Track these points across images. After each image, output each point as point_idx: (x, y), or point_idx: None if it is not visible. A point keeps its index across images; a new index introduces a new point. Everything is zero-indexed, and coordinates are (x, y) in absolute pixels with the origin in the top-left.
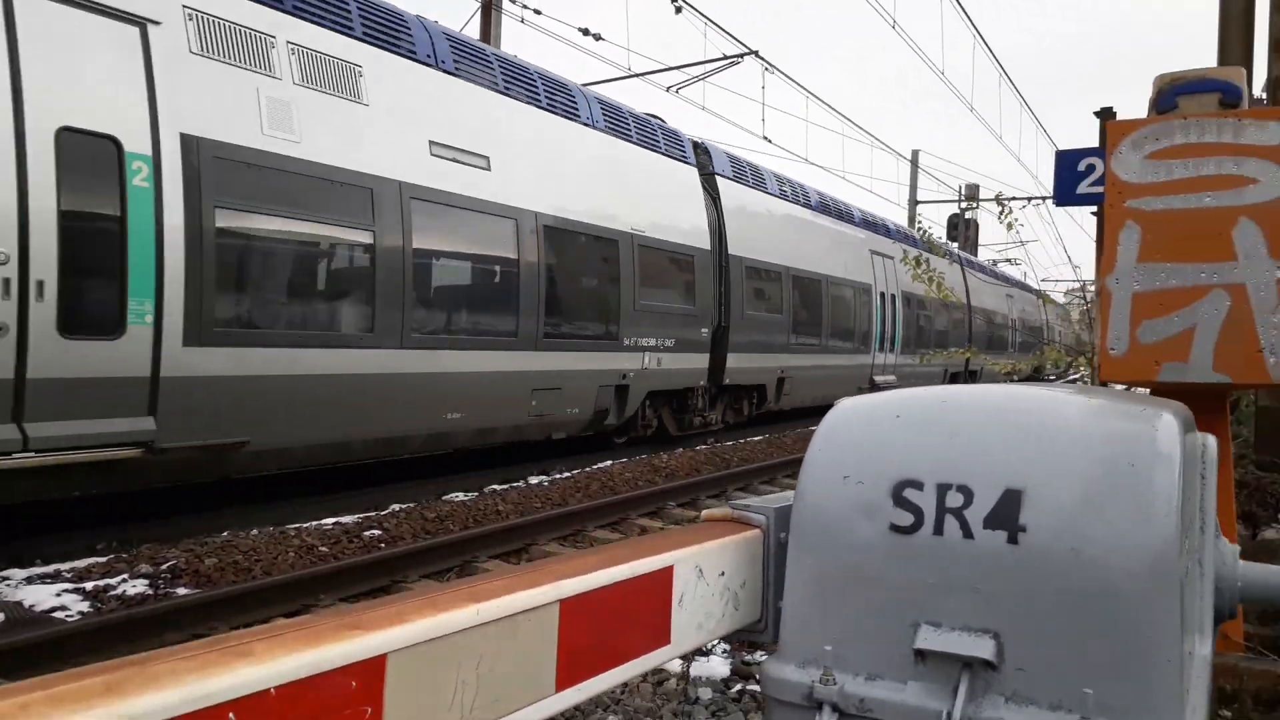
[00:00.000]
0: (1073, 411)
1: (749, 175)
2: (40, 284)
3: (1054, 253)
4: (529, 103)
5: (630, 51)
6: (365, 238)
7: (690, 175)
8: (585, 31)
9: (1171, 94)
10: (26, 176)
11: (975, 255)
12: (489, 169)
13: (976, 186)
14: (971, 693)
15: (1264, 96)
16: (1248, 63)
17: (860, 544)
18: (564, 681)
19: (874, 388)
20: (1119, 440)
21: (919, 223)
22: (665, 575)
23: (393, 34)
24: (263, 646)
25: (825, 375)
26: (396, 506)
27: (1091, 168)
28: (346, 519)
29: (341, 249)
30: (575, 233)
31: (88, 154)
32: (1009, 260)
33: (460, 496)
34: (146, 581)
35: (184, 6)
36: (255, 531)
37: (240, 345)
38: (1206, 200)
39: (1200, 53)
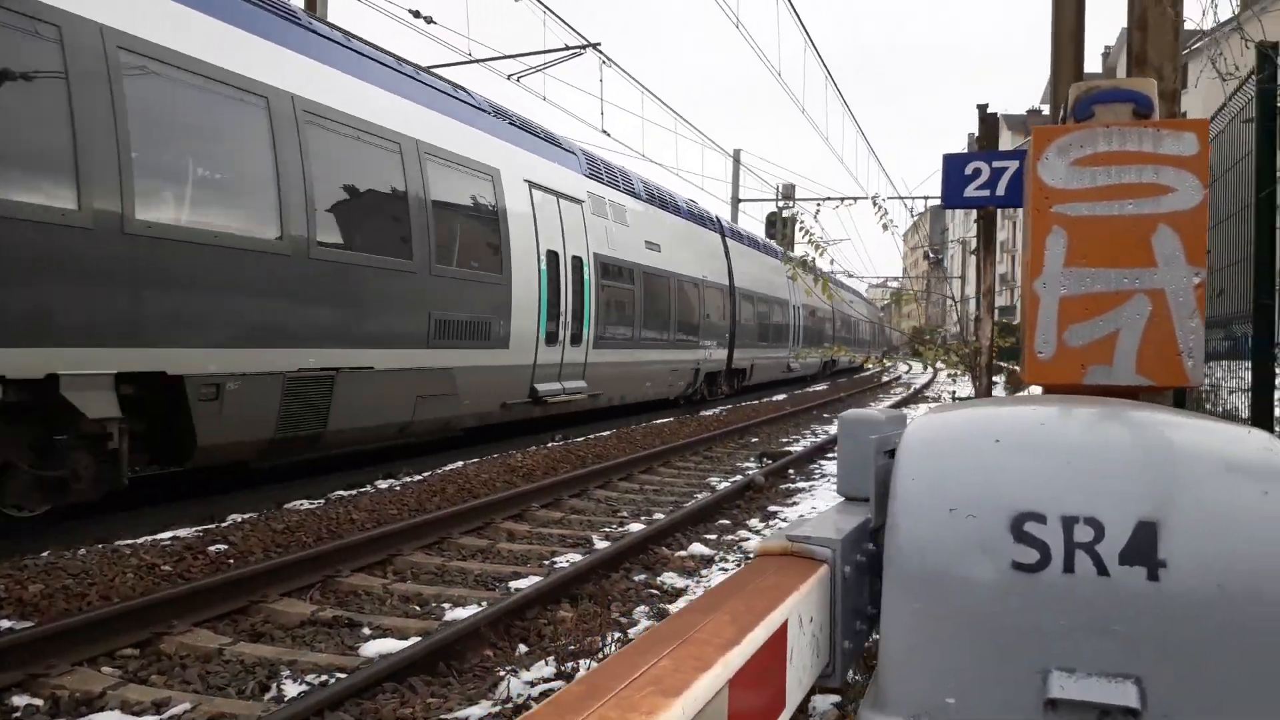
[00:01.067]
0: (1184, 435)
1: (737, 233)
2: (566, 322)
3: (861, 250)
4: (663, 209)
5: (471, 40)
6: (631, 294)
7: (717, 238)
8: (416, 14)
9: (1088, 102)
10: (567, 278)
11: (791, 251)
12: (660, 251)
13: (793, 186)
14: None
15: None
16: (1079, 76)
17: (978, 585)
18: None
19: (789, 371)
20: (1245, 466)
21: (814, 249)
22: (782, 632)
23: (629, 184)
24: None
25: (770, 364)
26: (237, 517)
27: (978, 171)
28: (184, 532)
29: (626, 299)
30: (684, 281)
31: (578, 266)
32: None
33: (305, 504)
34: None
35: (588, 191)
36: (83, 551)
37: (603, 349)
38: (1128, 208)
39: (1017, 59)
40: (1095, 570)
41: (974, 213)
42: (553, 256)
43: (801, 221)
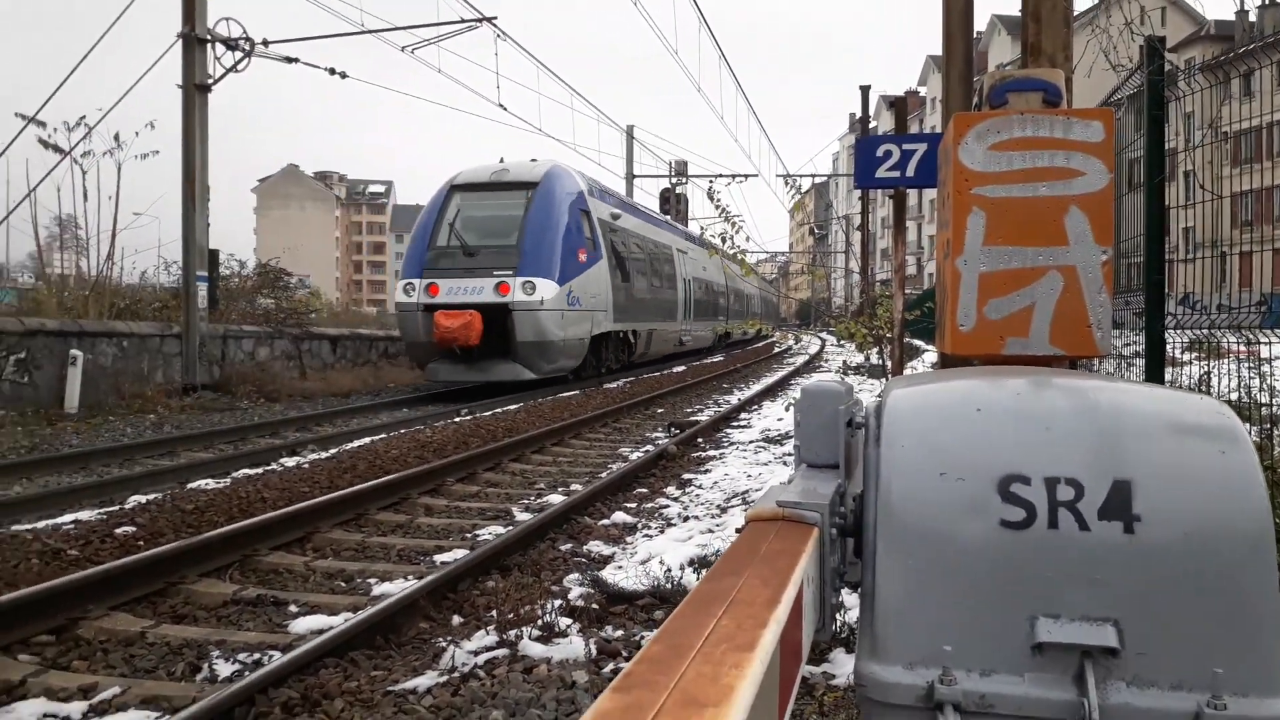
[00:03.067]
0: (1146, 402)
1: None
2: (685, 309)
3: (752, 225)
4: (700, 245)
5: (364, 11)
6: (699, 293)
7: (716, 258)
8: None
9: (1002, 90)
10: (684, 288)
11: (685, 226)
12: (705, 270)
13: (685, 163)
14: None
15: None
16: (968, 56)
17: (969, 542)
18: None
19: (744, 335)
20: (1205, 429)
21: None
22: (800, 592)
23: (690, 236)
24: None
25: (736, 329)
26: (141, 499)
27: (889, 153)
28: (85, 516)
29: (697, 296)
30: (710, 284)
31: (686, 282)
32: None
33: (210, 484)
34: None
35: (688, 246)
36: None
37: (695, 321)
38: (1041, 190)
39: (895, 36)
40: (1077, 526)
41: (856, 190)
42: (682, 279)
43: (719, 199)
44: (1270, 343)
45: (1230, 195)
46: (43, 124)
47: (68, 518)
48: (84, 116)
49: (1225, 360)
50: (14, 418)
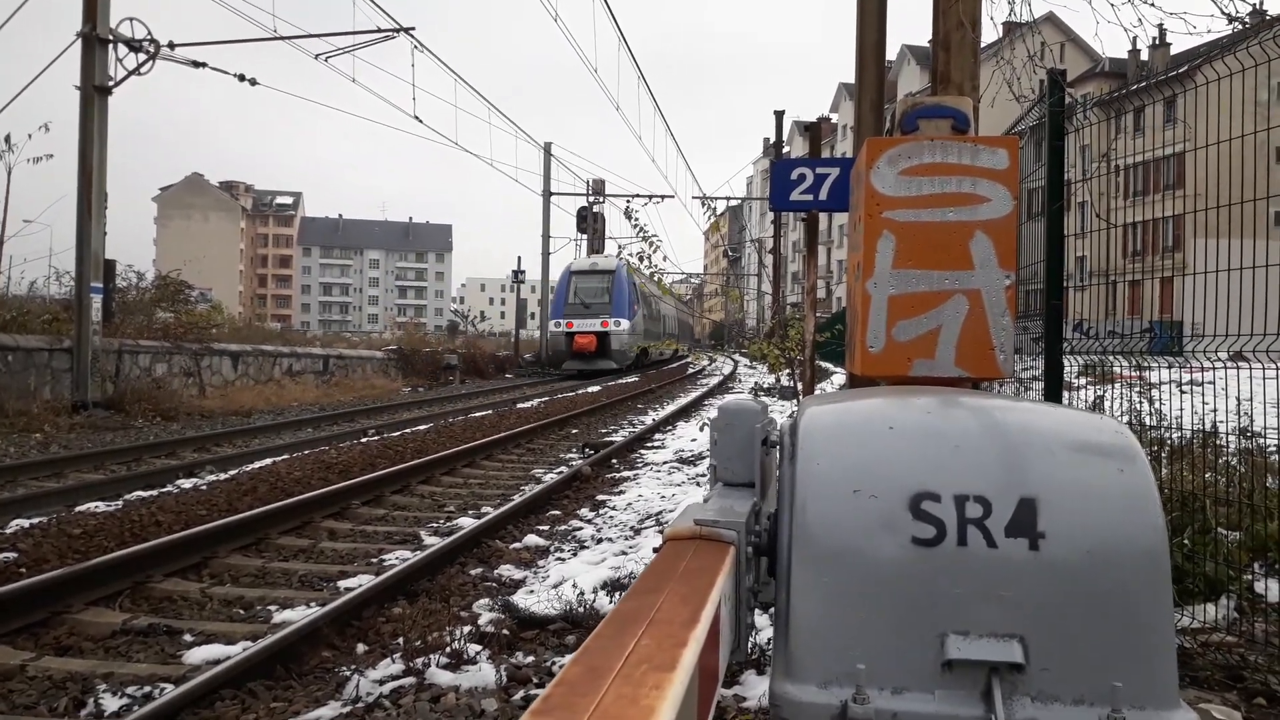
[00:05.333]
0: (1050, 422)
1: (672, 294)
2: (663, 333)
3: (668, 246)
4: (661, 295)
5: (276, 16)
6: (670, 322)
7: (673, 298)
8: None
9: (913, 116)
10: (662, 319)
11: (602, 246)
12: (669, 307)
13: (603, 181)
14: (1001, 695)
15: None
16: (880, 85)
17: (882, 559)
18: None
19: (687, 353)
20: (1105, 448)
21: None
22: (718, 611)
23: (667, 288)
24: None
25: (678, 346)
26: (24, 523)
27: (803, 177)
28: None
29: (667, 323)
30: (673, 316)
31: (667, 313)
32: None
33: (100, 507)
34: None
35: (664, 294)
36: None
37: (666, 340)
38: (949, 215)
39: (812, 55)
40: (985, 543)
41: (770, 214)
42: (663, 315)
43: (637, 219)
44: (1156, 367)
45: (1122, 226)
46: None
47: None
48: None
49: (1117, 384)
50: None
